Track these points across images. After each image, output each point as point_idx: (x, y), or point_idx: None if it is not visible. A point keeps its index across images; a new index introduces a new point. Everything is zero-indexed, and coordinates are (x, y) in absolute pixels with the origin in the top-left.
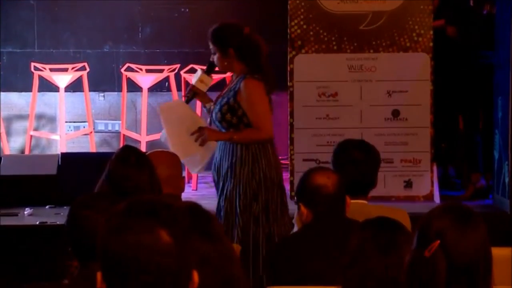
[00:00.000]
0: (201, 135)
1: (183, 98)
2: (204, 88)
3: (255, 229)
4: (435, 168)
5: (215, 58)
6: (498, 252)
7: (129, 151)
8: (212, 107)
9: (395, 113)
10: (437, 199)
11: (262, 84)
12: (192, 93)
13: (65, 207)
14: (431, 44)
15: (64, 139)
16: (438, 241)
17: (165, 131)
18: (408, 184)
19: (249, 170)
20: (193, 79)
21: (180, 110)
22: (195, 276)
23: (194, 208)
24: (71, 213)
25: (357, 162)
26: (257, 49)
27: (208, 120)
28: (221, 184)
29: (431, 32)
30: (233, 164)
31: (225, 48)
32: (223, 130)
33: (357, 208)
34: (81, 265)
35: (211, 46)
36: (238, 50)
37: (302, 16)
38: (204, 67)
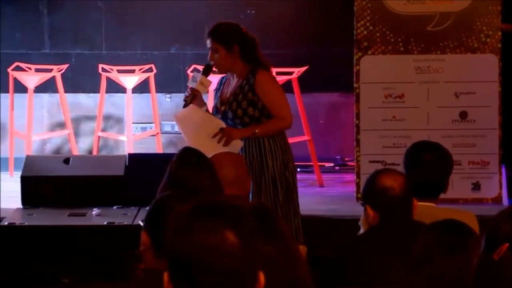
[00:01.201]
0: (224, 135)
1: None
2: (204, 90)
3: (295, 220)
4: (503, 170)
5: (216, 56)
6: None
7: (189, 153)
8: (217, 108)
9: (463, 115)
10: (506, 201)
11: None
12: (192, 96)
13: (132, 207)
14: (499, 45)
15: (131, 140)
16: (507, 244)
17: (186, 139)
18: (476, 187)
19: (281, 162)
20: (189, 82)
21: (196, 115)
22: (261, 277)
23: (259, 208)
24: (152, 213)
25: (428, 165)
26: (256, 46)
27: None
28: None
29: (500, 33)
30: (263, 158)
31: (230, 45)
32: (239, 127)
33: (425, 210)
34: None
35: (211, 45)
36: (242, 46)
37: (368, 17)
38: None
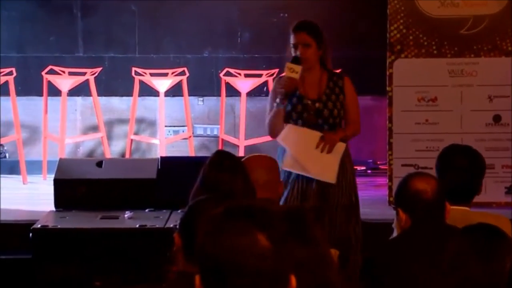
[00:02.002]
0: (327, 142)
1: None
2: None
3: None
4: None
5: (308, 50)
6: None
7: (222, 156)
8: (307, 106)
9: (497, 118)
10: None
11: None
12: (293, 86)
13: (164, 210)
14: None
15: (163, 143)
16: None
17: (298, 158)
18: (510, 190)
19: (352, 165)
20: (286, 72)
21: (295, 132)
22: (293, 280)
23: (291, 212)
24: (186, 216)
25: (460, 169)
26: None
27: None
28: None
29: None
30: (343, 161)
31: (321, 42)
32: (326, 127)
33: (459, 214)
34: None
35: (301, 39)
36: (325, 47)
37: (401, 21)
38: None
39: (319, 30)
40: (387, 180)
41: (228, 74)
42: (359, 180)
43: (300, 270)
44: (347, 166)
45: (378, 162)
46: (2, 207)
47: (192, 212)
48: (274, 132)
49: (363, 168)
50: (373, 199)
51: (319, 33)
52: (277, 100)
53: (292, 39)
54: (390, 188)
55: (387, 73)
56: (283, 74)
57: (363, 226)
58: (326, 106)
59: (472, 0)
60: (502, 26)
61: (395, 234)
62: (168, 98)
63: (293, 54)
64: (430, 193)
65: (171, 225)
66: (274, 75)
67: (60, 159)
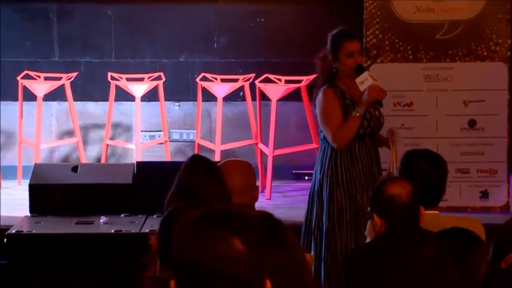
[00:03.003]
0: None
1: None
2: None
3: None
4: None
5: (361, 58)
6: None
7: (197, 161)
8: (370, 114)
9: (472, 123)
10: None
11: None
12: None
13: (140, 215)
14: (508, 53)
15: (139, 148)
16: None
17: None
18: (484, 195)
19: None
20: (367, 81)
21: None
22: (268, 284)
23: (266, 217)
24: (163, 225)
25: (425, 174)
26: None
27: (365, 125)
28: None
29: (509, 41)
30: (379, 164)
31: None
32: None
33: (430, 219)
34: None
35: (357, 48)
36: None
37: (377, 26)
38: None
39: None
40: None
41: (204, 78)
42: None
43: (276, 275)
44: (379, 168)
45: None
46: None
47: (170, 218)
48: (349, 141)
49: None
50: None
51: None
52: (358, 109)
53: (348, 47)
54: None
55: None
56: (322, 84)
57: None
58: (381, 114)
59: (447, 5)
60: (477, 32)
61: (368, 240)
62: (144, 103)
63: (341, 62)
64: (405, 197)
65: (147, 230)
66: (251, 80)
67: (35, 164)
